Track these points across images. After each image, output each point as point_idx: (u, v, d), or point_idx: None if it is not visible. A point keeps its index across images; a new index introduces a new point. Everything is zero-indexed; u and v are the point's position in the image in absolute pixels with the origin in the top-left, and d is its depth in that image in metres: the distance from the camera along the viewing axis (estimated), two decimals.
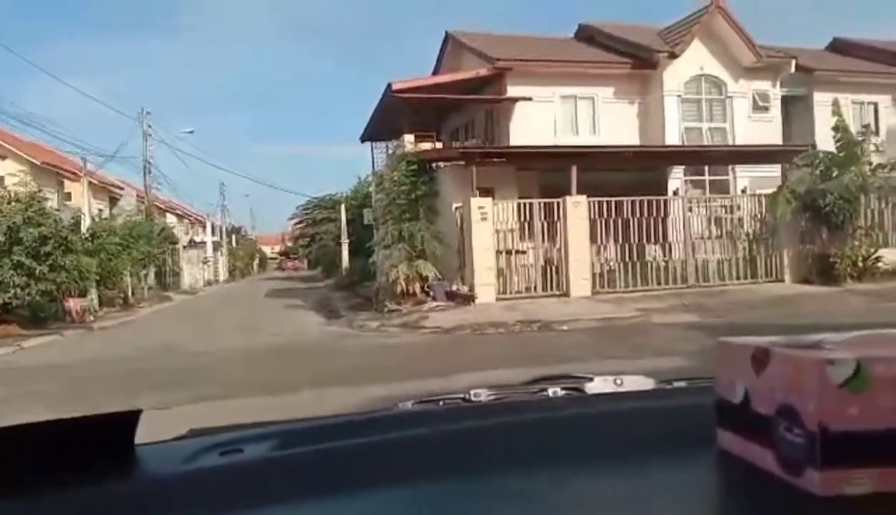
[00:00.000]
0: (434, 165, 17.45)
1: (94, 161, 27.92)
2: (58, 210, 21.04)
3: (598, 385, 1.38)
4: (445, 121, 22.82)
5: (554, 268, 15.74)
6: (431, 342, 11.83)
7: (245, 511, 0.73)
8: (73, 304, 19.02)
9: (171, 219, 42.35)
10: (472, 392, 1.36)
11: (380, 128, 21.83)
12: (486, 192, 15.60)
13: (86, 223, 21.06)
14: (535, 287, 15.70)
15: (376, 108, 19.99)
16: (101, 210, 31.59)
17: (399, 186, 16.87)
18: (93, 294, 21.17)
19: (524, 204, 15.79)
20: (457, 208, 16.10)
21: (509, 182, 16.29)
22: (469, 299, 14.86)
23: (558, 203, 15.67)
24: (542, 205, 15.73)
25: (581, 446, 0.84)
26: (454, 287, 15.45)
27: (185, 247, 38.26)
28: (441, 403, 1.37)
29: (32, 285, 16.05)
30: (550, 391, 1.36)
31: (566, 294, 15.49)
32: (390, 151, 21.36)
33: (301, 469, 0.82)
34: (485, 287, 15.01)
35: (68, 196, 31.00)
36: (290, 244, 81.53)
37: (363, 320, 15.18)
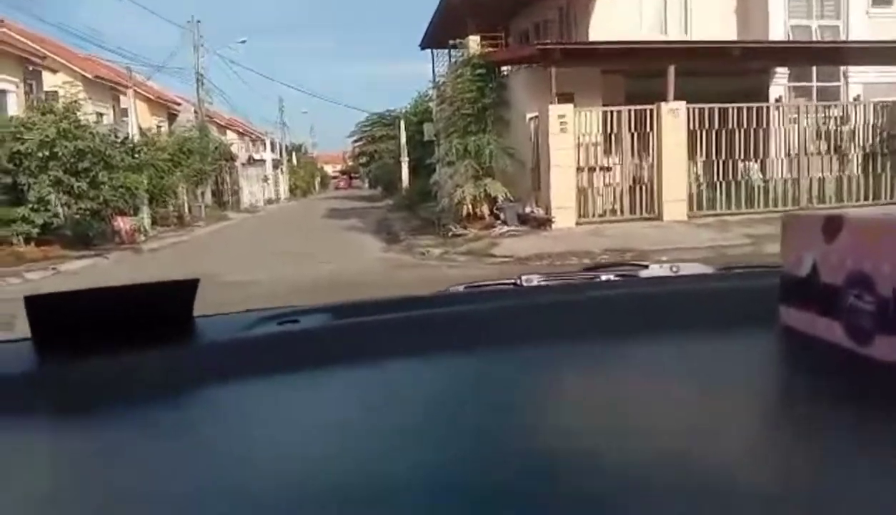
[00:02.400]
0: (504, 70, 15.03)
1: (141, 72, 26.08)
2: (113, 126, 19.48)
3: (654, 271, 1.34)
4: (514, 22, 20.08)
5: (644, 187, 13.38)
6: (504, 274, 9.82)
7: (300, 374, 0.74)
8: (122, 223, 17.64)
9: (231, 136, 40.81)
10: (523, 277, 1.29)
11: (442, 31, 19.30)
12: (565, 99, 13.19)
13: (133, 137, 19.45)
14: (621, 209, 13.40)
15: (438, 8, 17.50)
16: (159, 126, 30.13)
17: (464, 95, 14.56)
18: (144, 213, 19.81)
19: (611, 113, 13.32)
20: (531, 119, 13.75)
21: (593, 88, 13.76)
22: (545, 222, 12.70)
23: (651, 111, 13.17)
24: (632, 113, 13.25)
25: (635, 322, 0.81)
26: (527, 209, 13.28)
27: (243, 164, 36.79)
28: (492, 287, 1.33)
29: (72, 203, 14.59)
30: (604, 278, 1.30)
31: (658, 217, 13.16)
32: (453, 59, 18.93)
33: (355, 336, 0.83)
34: (563, 210, 12.79)
35: (125, 113, 29.65)
36: (350, 163, 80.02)
37: (425, 246, 13.24)
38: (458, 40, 15.75)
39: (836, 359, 0.64)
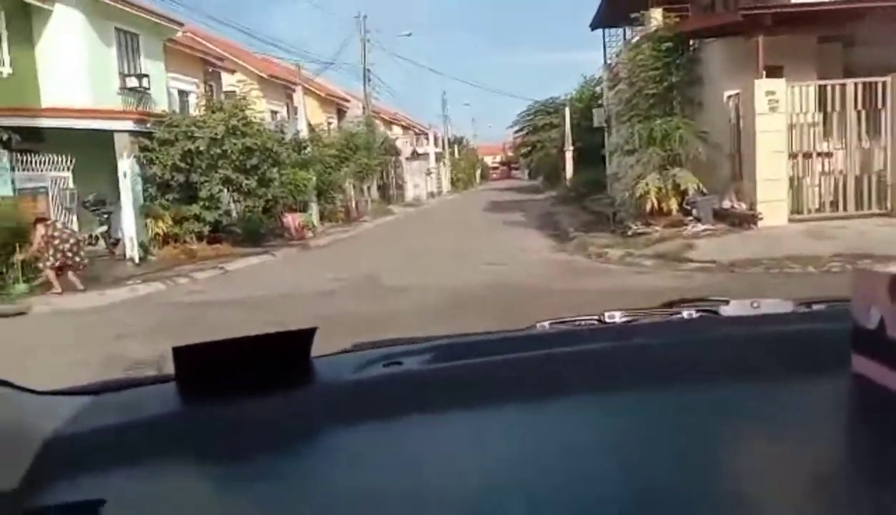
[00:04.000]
0: (694, 44, 12.99)
1: (309, 69, 26.24)
2: (280, 123, 19.50)
3: (734, 308, 1.32)
4: None
5: (874, 177, 10.90)
6: (709, 284, 8.02)
7: (403, 417, 0.78)
8: (290, 220, 17.53)
9: (395, 131, 40.95)
10: (605, 314, 1.32)
11: (616, 8, 17.40)
12: (772, 73, 11.01)
13: (301, 134, 19.31)
14: (843, 204, 11.02)
15: None
16: (329, 122, 30.51)
17: (646, 73, 12.71)
18: (313, 209, 19.71)
19: (831, 88, 10.96)
20: (730, 98, 11.66)
21: (805, 59, 11.40)
22: (748, 220, 10.64)
23: (883, 84, 10.68)
24: (858, 88, 10.82)
25: (713, 366, 0.84)
26: (725, 204, 11.26)
27: (407, 158, 36.66)
28: (577, 323, 1.36)
29: (241, 200, 14.43)
30: (686, 314, 1.32)
31: (890, 213, 10.68)
32: (630, 36, 16.98)
33: (453, 380, 0.87)
34: (772, 204, 10.64)
35: (295, 110, 30.31)
36: (510, 154, 78.85)
37: (601, 246, 11.61)
38: (640, 13, 13.86)
39: None
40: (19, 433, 0.76)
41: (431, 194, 39.88)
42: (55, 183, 12.18)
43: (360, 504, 0.60)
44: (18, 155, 11.30)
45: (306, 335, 0.90)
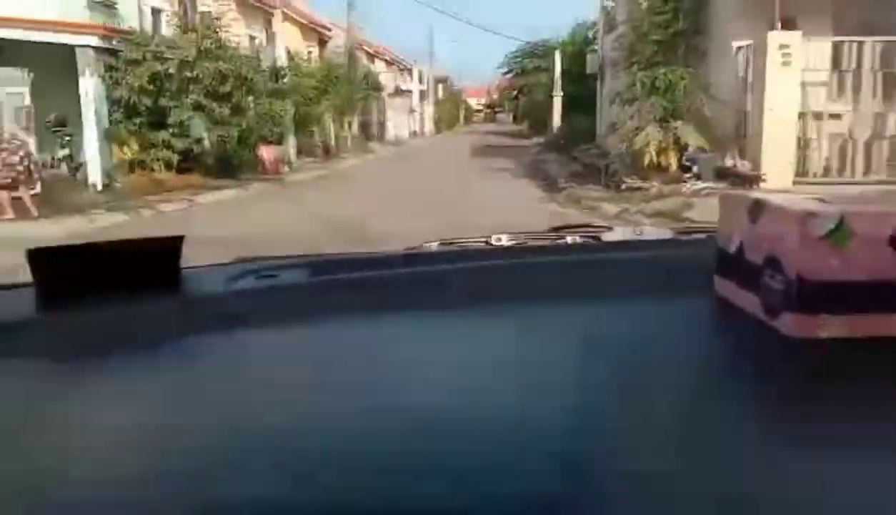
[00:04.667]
0: None
1: None
2: (257, 49, 18.39)
3: (617, 234, 1.41)
4: None
5: (888, 142, 10.37)
6: None
7: (275, 329, 0.77)
8: (265, 153, 16.64)
9: (378, 65, 39.49)
10: (493, 237, 1.36)
11: None
12: (784, 25, 10.31)
13: (280, 61, 18.23)
14: (852, 169, 10.50)
15: None
16: (310, 52, 29.13)
17: (652, 17, 11.93)
18: (290, 143, 18.78)
19: (848, 45, 10.32)
20: (739, 49, 10.96)
21: (821, 12, 10.68)
22: (752, 180, 10.07)
23: None
24: (876, 47, 10.19)
25: (590, 287, 0.86)
26: (728, 162, 10.67)
27: (390, 95, 35.45)
28: (464, 245, 1.40)
29: (213, 129, 13.52)
30: (569, 239, 1.36)
31: None
32: None
33: (328, 294, 0.86)
34: (777, 165, 10.07)
35: (274, 37, 28.81)
36: (495, 97, 77.30)
37: (594, 199, 11.02)
38: None
39: (754, 333, 0.69)
40: None
41: (414, 134, 38.81)
42: (11, 100, 11.18)
43: (223, 416, 0.60)
44: None
45: (175, 243, 0.88)
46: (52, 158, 12.97)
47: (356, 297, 0.84)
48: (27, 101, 11.54)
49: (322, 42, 34.26)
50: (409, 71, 45.43)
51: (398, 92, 37.65)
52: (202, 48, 12.66)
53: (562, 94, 30.37)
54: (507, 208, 10.80)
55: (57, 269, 0.82)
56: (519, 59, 41.68)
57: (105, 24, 12.83)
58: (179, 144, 13.03)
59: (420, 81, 43.94)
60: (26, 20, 12.32)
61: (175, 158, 13.08)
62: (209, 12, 17.04)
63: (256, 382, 0.67)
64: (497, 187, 14.07)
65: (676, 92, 11.05)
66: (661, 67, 11.43)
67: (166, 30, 15.51)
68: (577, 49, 28.11)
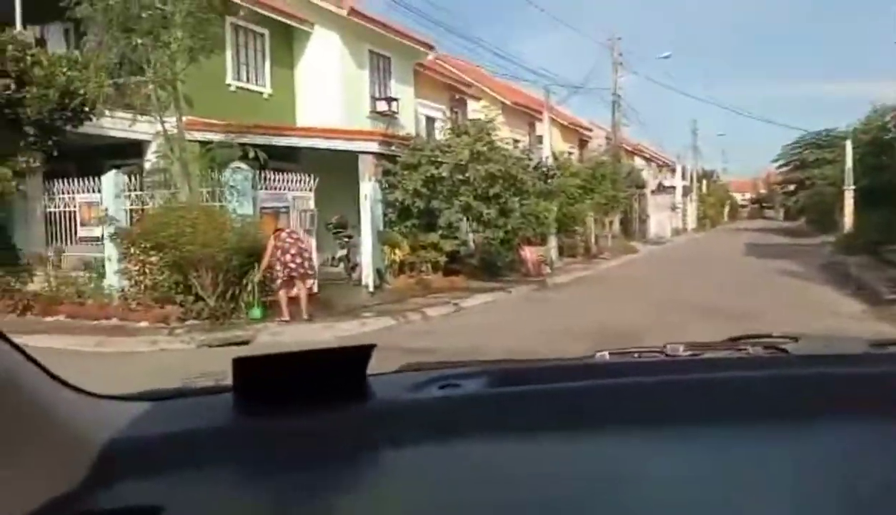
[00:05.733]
0: None
1: (558, 95, 24.74)
2: (528, 149, 18.24)
3: (804, 346, 1.29)
4: None
5: None
6: None
7: (457, 440, 0.79)
8: (528, 253, 16.05)
9: (638, 163, 38.19)
10: (667, 346, 1.26)
11: None
12: None
13: (547, 161, 17.80)
14: None
15: None
16: (570, 153, 28.89)
17: None
18: (551, 243, 18.09)
19: None
20: None
21: None
22: None
23: None
24: None
25: (779, 407, 0.82)
26: None
27: (652, 192, 33.79)
28: (638, 355, 1.31)
29: (480, 230, 13.16)
30: (752, 350, 1.27)
31: None
32: None
33: (510, 406, 0.88)
34: None
35: (540, 140, 29.11)
36: (762, 191, 71.30)
37: None
38: None
39: None
40: (80, 436, 0.75)
41: (676, 231, 36.45)
42: (296, 203, 11.78)
43: None
44: (262, 174, 11.00)
45: (364, 352, 0.89)
46: (332, 258, 13.50)
47: (537, 411, 0.85)
48: (311, 204, 12.13)
49: (582, 142, 34.06)
50: (669, 167, 43.43)
51: (660, 188, 35.83)
52: (475, 151, 12.45)
53: (853, 187, 26.51)
54: (822, 328, 8.66)
55: (255, 376, 0.86)
56: (798, 150, 37.73)
57: (385, 131, 13.28)
58: (447, 245, 12.82)
59: (683, 176, 41.68)
60: (317, 129, 13.18)
61: (442, 259, 12.87)
62: (478, 119, 17.31)
63: (449, 500, 0.66)
64: (793, 297, 11.76)
65: None
66: None
67: (438, 137, 15.89)
68: (874, 137, 24.50)
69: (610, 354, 1.29)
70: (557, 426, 0.80)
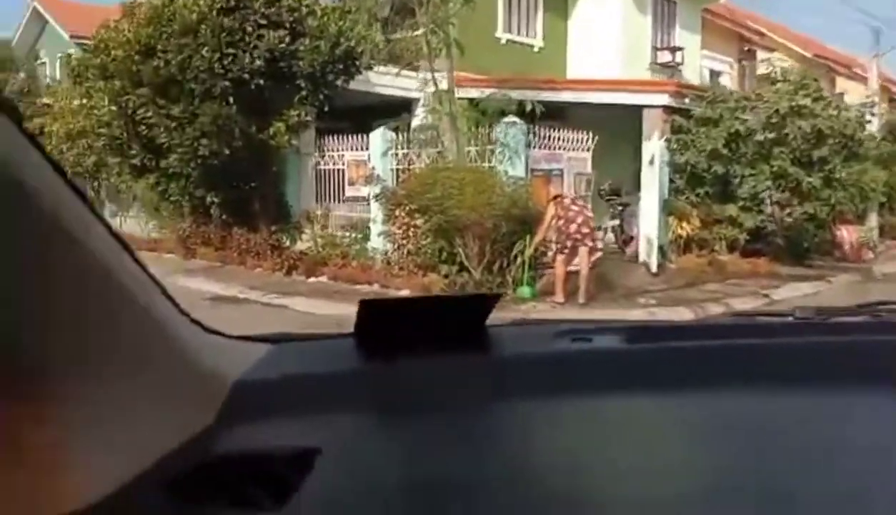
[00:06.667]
0: None
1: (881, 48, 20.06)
2: (869, 105, 14.76)
3: None
4: None
5: None
6: None
7: (589, 396, 0.76)
8: (846, 234, 12.90)
9: None
10: (797, 310, 1.20)
11: None
12: None
13: (876, 121, 14.17)
14: None
15: None
16: (883, 114, 23.79)
17: None
18: (872, 221, 14.51)
19: None
20: None
21: None
22: None
23: None
24: None
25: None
26: None
27: None
28: (767, 318, 1.28)
29: (796, 203, 10.51)
30: (885, 315, 1.22)
31: None
32: None
33: (641, 363, 0.86)
34: None
35: (839, 97, 24.47)
36: None
37: None
38: None
39: None
40: (212, 373, 0.75)
41: None
42: (571, 166, 10.20)
43: (530, 477, 0.59)
44: (536, 130, 9.56)
45: (487, 303, 0.87)
46: (600, 228, 11.78)
47: (666, 367, 0.83)
48: (588, 167, 10.47)
49: (892, 102, 28.25)
50: None
51: None
52: (795, 105, 9.80)
53: None
54: None
55: (377, 321, 0.85)
56: None
57: (678, 81, 11.12)
58: (749, 220, 10.41)
59: None
60: (594, 81, 11.44)
61: (742, 237, 10.50)
62: (767, 74, 14.24)
63: (569, 451, 0.65)
64: None
65: None
66: None
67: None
68: None
69: (738, 315, 1.29)
70: (684, 385, 0.79)
